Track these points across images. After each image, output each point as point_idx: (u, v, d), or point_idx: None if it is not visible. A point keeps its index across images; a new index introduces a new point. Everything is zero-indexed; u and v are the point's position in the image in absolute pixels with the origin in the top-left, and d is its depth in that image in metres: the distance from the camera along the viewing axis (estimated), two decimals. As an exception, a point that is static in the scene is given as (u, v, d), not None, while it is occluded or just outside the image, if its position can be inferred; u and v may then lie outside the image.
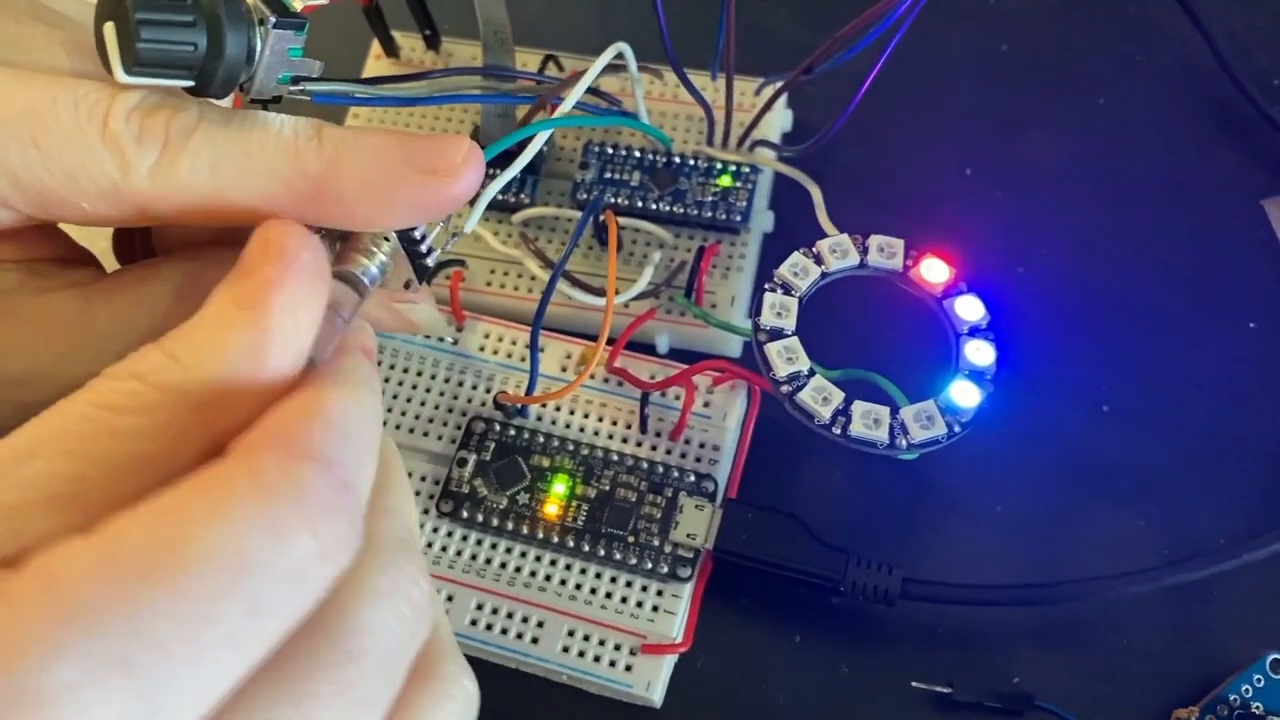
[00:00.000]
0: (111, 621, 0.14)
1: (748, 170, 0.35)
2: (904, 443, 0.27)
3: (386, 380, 0.34)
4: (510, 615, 0.31)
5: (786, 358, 0.28)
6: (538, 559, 0.31)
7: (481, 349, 0.34)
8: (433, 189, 0.22)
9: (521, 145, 0.29)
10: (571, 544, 0.31)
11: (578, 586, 0.31)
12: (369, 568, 0.18)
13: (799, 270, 0.29)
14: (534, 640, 0.30)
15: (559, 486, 0.31)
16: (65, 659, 0.14)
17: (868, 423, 0.27)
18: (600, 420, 0.33)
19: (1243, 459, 0.33)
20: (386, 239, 0.24)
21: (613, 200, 0.35)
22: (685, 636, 0.30)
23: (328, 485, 0.17)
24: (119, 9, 0.20)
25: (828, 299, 0.30)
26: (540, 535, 0.31)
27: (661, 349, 0.35)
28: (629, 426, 0.32)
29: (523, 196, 0.36)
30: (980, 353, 0.28)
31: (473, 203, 0.28)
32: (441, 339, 0.34)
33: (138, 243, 0.27)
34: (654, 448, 0.32)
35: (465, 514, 0.31)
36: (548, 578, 0.31)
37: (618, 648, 0.30)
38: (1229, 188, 0.37)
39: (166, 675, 0.14)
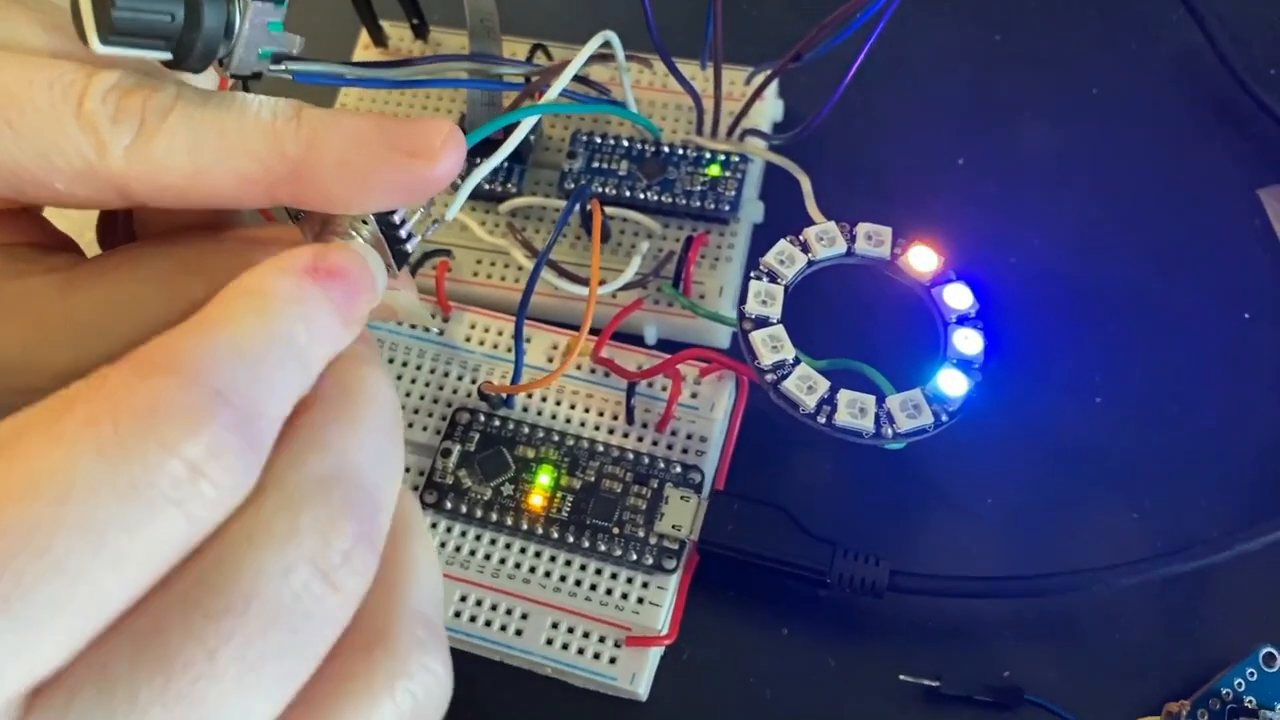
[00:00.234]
0: None
1: (737, 160, 0.35)
2: (890, 432, 0.27)
3: (371, 371, 0.33)
4: (494, 607, 0.30)
5: (771, 346, 0.28)
6: (522, 550, 0.31)
7: (467, 339, 0.33)
8: (411, 171, 0.22)
9: (507, 133, 0.28)
10: (556, 535, 0.30)
11: (562, 578, 0.30)
12: (269, 507, 0.16)
13: (785, 258, 0.29)
14: (518, 632, 0.30)
15: (544, 478, 0.31)
16: None
17: (853, 411, 0.27)
18: (587, 411, 0.32)
19: (1237, 451, 0.33)
20: (365, 223, 0.23)
21: (600, 190, 0.35)
22: (671, 629, 0.30)
23: (192, 400, 0.15)
24: (94, -23, 0.20)
25: (815, 288, 0.30)
26: (524, 526, 0.30)
27: (649, 340, 0.34)
28: (615, 417, 0.32)
29: (510, 186, 0.36)
30: (968, 341, 0.28)
31: (456, 190, 0.28)
32: (427, 329, 0.33)
33: (120, 228, 0.26)
34: (640, 439, 0.32)
35: (449, 505, 0.31)
36: (532, 569, 0.30)
37: (602, 640, 0.30)
38: (1224, 177, 0.37)
39: None
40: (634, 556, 0.30)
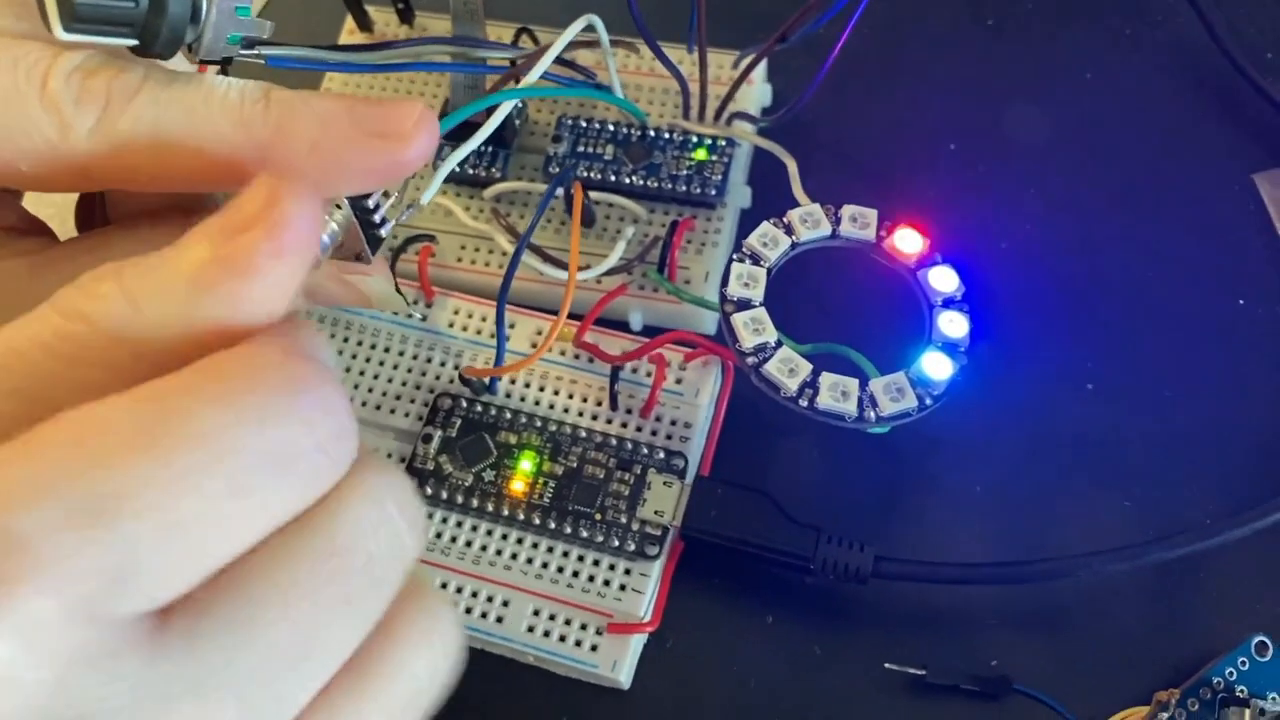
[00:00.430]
0: (89, 480, 0.15)
1: (724, 144, 0.34)
2: (873, 415, 0.27)
3: (353, 356, 0.33)
4: (475, 594, 0.30)
5: (753, 329, 0.27)
6: (504, 537, 0.30)
7: (450, 325, 0.33)
8: (382, 154, 0.21)
9: (489, 116, 0.28)
10: (538, 521, 0.30)
11: (544, 565, 0.30)
12: (365, 468, 0.18)
13: (768, 240, 0.28)
14: (499, 620, 0.30)
15: (525, 463, 0.31)
16: (44, 508, 0.14)
17: (835, 395, 0.27)
18: (570, 397, 0.32)
19: (1230, 438, 0.32)
20: (339, 207, 0.23)
21: (585, 174, 0.34)
22: (653, 616, 0.29)
23: (327, 384, 0.17)
24: (57, -36, 0.20)
25: (799, 270, 0.29)
26: (506, 513, 0.30)
27: (635, 326, 0.34)
28: (599, 404, 0.32)
29: (494, 171, 0.35)
30: (954, 324, 0.27)
31: (433, 173, 0.27)
32: (409, 315, 0.33)
33: (97, 212, 0.26)
34: (624, 425, 0.31)
35: (430, 491, 0.30)
36: (514, 556, 0.30)
37: (584, 627, 0.29)
38: (1219, 162, 0.36)
39: (140, 540, 0.15)
40: (616, 543, 0.29)
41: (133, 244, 0.23)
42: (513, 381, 0.32)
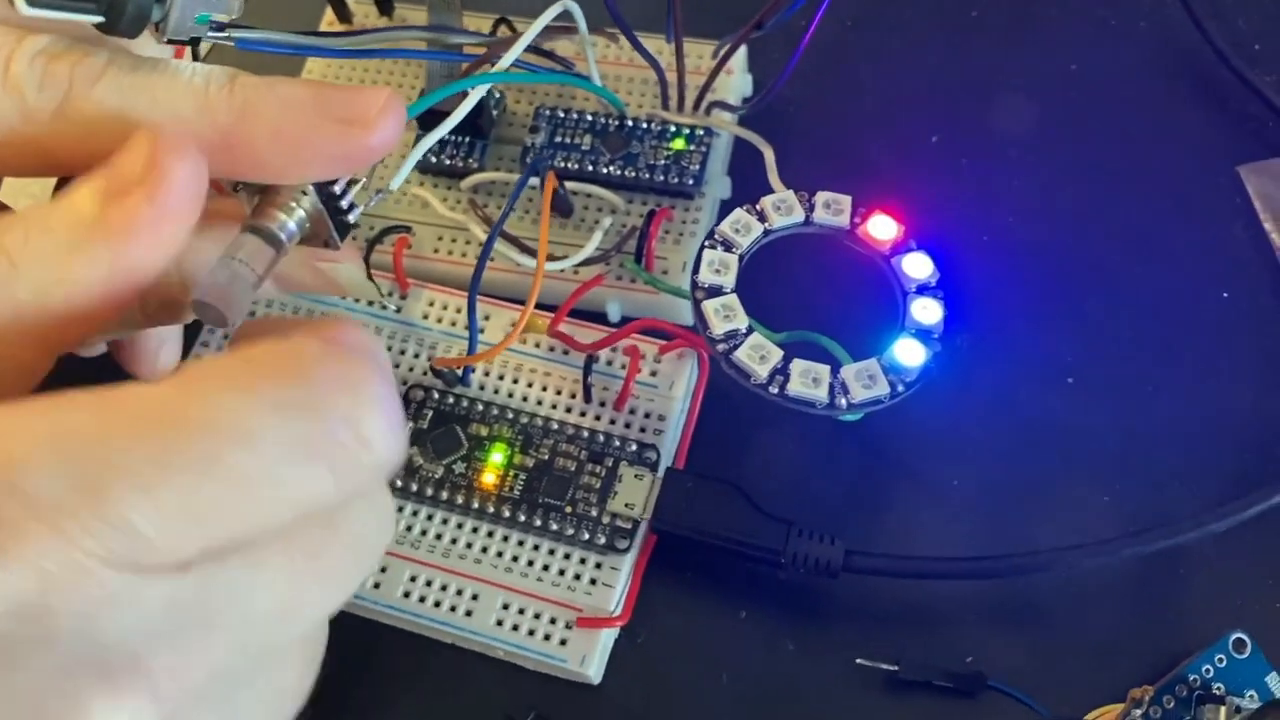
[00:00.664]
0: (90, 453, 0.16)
1: (702, 133, 0.34)
2: (844, 402, 0.26)
3: (326, 347, 0.33)
4: (444, 588, 0.30)
5: (724, 315, 0.27)
6: (474, 530, 0.30)
7: (425, 316, 0.33)
8: (347, 140, 0.21)
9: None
10: (508, 514, 0.30)
11: (514, 558, 0.30)
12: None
13: (740, 227, 0.28)
14: (468, 613, 0.29)
15: (496, 456, 0.30)
16: (41, 473, 0.15)
17: (806, 381, 0.26)
18: (544, 389, 0.32)
19: (1212, 433, 0.32)
20: (305, 194, 0.23)
21: (563, 164, 0.34)
22: (624, 610, 0.29)
23: (372, 378, 0.18)
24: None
25: (772, 257, 0.29)
26: (476, 505, 0.30)
27: (613, 317, 0.34)
28: (574, 396, 0.31)
29: (471, 161, 0.35)
30: (927, 311, 0.27)
31: (403, 160, 0.27)
32: (383, 306, 0.33)
33: None
34: (598, 417, 0.31)
35: (399, 484, 0.30)
36: (484, 549, 0.30)
37: (553, 621, 0.29)
38: (1204, 154, 0.36)
39: (160, 511, 0.16)
40: (586, 536, 0.29)
41: None
42: (486, 373, 0.32)
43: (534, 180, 0.32)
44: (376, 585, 0.30)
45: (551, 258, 0.32)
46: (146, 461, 0.16)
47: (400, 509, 0.30)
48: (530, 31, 0.30)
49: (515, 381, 0.32)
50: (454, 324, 0.33)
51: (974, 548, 0.30)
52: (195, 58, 0.28)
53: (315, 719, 0.21)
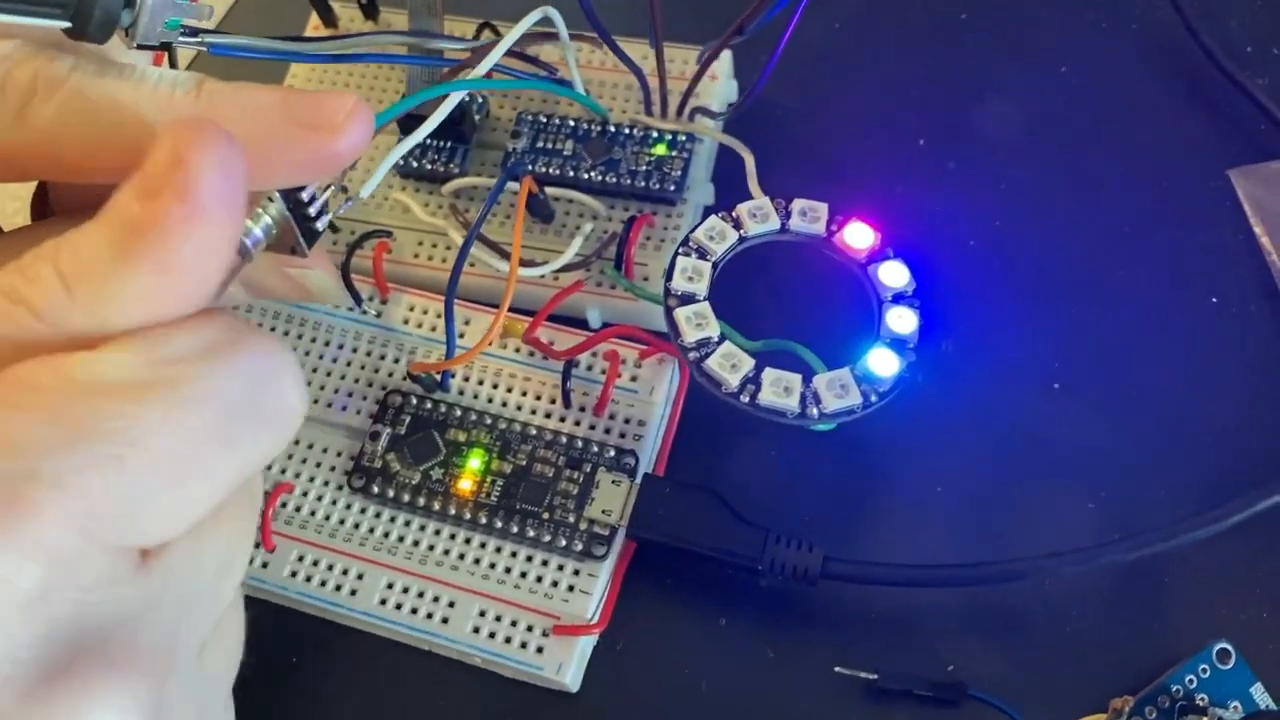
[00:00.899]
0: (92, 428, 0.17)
1: (684, 139, 0.34)
2: (815, 412, 0.26)
3: (306, 353, 0.33)
4: (421, 594, 0.29)
5: (696, 324, 0.27)
6: (451, 536, 0.30)
7: (405, 322, 0.33)
8: (313, 145, 0.21)
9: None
10: (485, 521, 0.29)
11: (491, 565, 0.29)
12: None
13: (715, 234, 0.28)
14: (444, 621, 0.29)
15: (474, 461, 0.30)
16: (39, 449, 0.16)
17: (777, 390, 0.26)
18: (524, 395, 0.31)
19: (1200, 441, 0.31)
20: (271, 200, 0.23)
21: (545, 170, 0.34)
22: (601, 618, 0.29)
23: (288, 350, 0.21)
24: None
25: (748, 265, 0.29)
26: (453, 512, 0.30)
27: (594, 323, 0.33)
28: (553, 401, 0.31)
29: (453, 166, 0.35)
30: (902, 320, 0.27)
31: (374, 164, 0.27)
32: (364, 311, 0.33)
33: (50, 205, 0.26)
34: (577, 423, 0.31)
35: (376, 490, 0.30)
36: (461, 556, 0.30)
37: (530, 629, 0.29)
38: (1195, 157, 0.35)
39: (140, 482, 0.17)
40: (564, 543, 0.29)
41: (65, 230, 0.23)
42: (466, 379, 0.32)
43: (516, 185, 0.32)
44: (353, 593, 0.30)
45: (532, 263, 0.32)
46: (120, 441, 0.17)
47: (377, 515, 0.30)
48: (509, 38, 0.30)
49: (495, 387, 0.32)
50: (434, 329, 0.33)
51: (957, 555, 0.29)
52: (173, 65, 0.28)
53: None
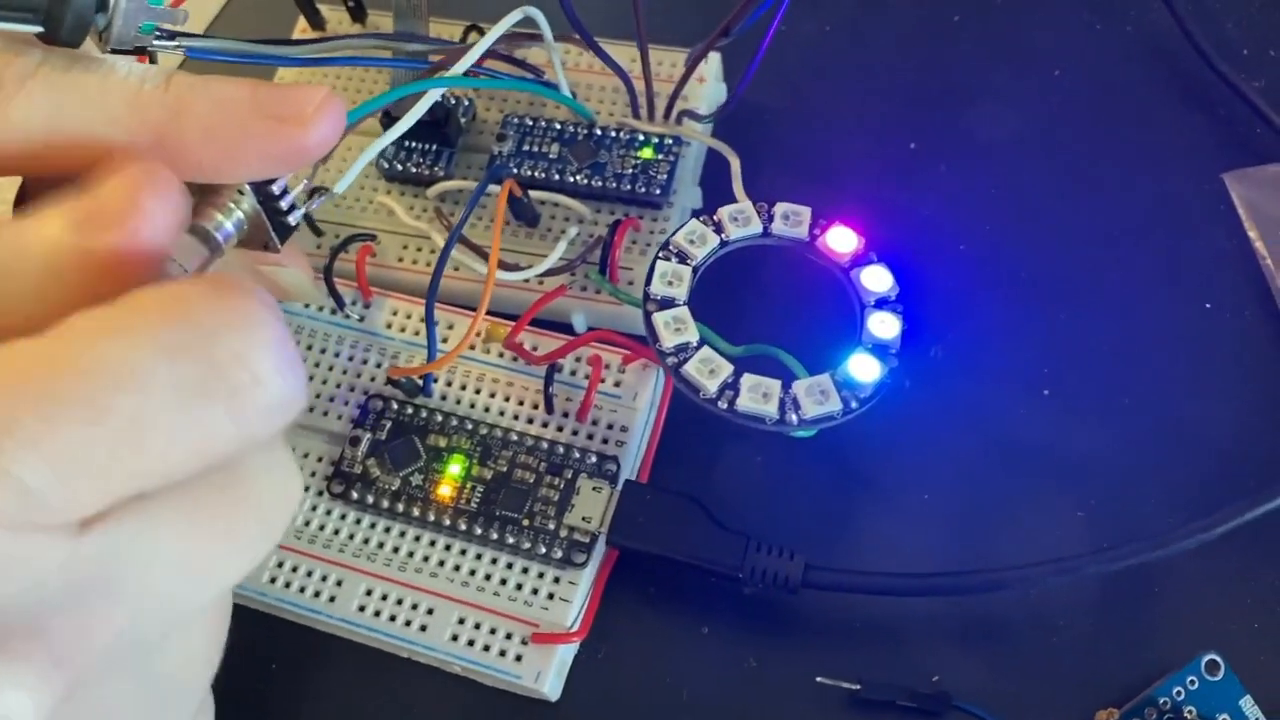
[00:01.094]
0: None
1: (670, 142, 0.34)
2: (794, 418, 0.26)
3: (288, 357, 0.32)
4: (400, 601, 0.29)
5: (674, 328, 0.26)
6: (431, 543, 0.30)
7: (388, 326, 0.32)
8: (281, 138, 0.21)
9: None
10: (464, 527, 0.29)
11: (471, 572, 0.29)
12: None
13: (696, 238, 0.28)
14: (423, 628, 0.29)
15: (454, 467, 0.30)
16: None
17: (756, 396, 0.26)
18: (507, 400, 0.31)
19: (1192, 448, 0.31)
20: (244, 194, 0.22)
21: (530, 173, 0.34)
22: (581, 626, 0.29)
23: (265, 318, 0.17)
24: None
25: (730, 269, 0.28)
26: (432, 518, 0.29)
27: (579, 328, 0.33)
28: (536, 407, 0.31)
29: (438, 169, 0.35)
30: (884, 325, 0.26)
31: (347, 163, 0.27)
32: (347, 315, 0.32)
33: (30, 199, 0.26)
34: (560, 429, 0.31)
35: (355, 496, 0.30)
36: (440, 563, 0.29)
37: (509, 637, 0.28)
38: (1189, 160, 0.35)
39: (39, 465, 0.15)
40: (543, 550, 0.29)
41: None
42: (449, 383, 0.31)
43: (495, 186, 0.32)
44: (332, 599, 0.29)
45: (516, 267, 0.32)
46: (31, 415, 0.15)
47: (357, 521, 0.30)
48: (489, 36, 0.30)
49: (478, 392, 0.31)
50: (417, 333, 0.32)
51: (943, 564, 0.29)
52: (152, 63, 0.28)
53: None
